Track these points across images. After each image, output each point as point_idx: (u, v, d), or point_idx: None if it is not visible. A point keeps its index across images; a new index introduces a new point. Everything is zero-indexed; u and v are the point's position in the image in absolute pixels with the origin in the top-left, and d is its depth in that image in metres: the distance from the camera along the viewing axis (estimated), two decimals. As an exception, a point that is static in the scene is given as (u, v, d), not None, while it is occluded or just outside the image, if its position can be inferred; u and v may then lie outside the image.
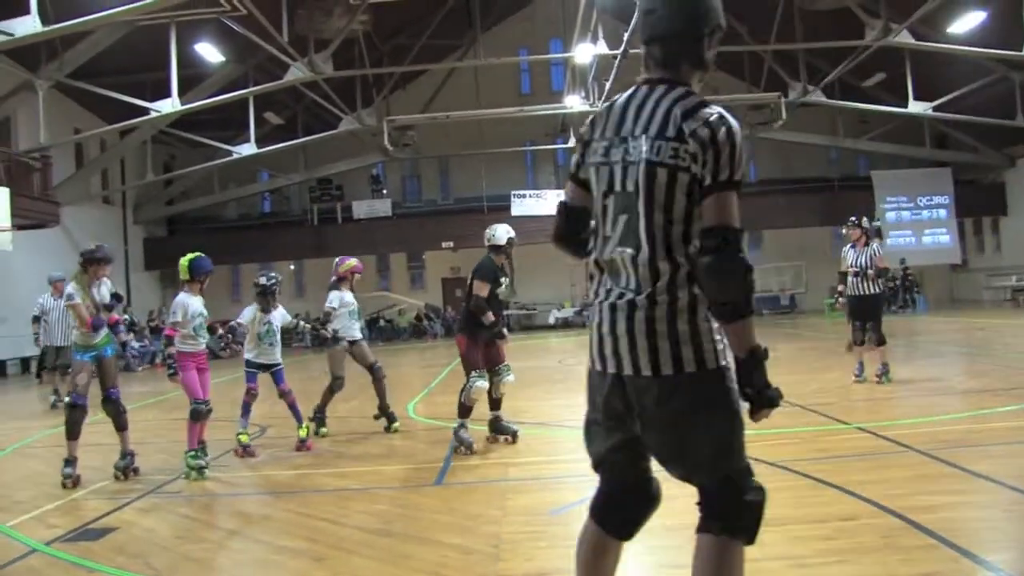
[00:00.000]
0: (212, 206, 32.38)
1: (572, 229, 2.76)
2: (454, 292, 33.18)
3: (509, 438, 7.85)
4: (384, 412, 8.92)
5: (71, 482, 6.90)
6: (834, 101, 25.95)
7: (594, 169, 2.63)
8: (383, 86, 28.34)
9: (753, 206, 29.74)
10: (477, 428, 7.92)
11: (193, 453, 7.17)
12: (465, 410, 7.51)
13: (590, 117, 2.70)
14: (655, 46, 2.58)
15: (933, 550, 4.04)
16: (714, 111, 2.45)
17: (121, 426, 7.28)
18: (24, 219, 19.26)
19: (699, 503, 2.58)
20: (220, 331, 15.27)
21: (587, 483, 5.53)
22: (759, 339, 2.42)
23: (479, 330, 7.60)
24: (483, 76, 28.07)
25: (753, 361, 2.44)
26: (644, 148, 2.47)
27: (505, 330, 7.88)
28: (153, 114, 19.97)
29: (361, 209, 31.43)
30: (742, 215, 2.45)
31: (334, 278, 9.04)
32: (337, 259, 9.24)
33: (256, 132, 25.84)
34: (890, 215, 29.76)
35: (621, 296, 2.53)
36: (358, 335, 9.10)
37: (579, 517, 3.91)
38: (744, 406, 2.50)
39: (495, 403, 7.92)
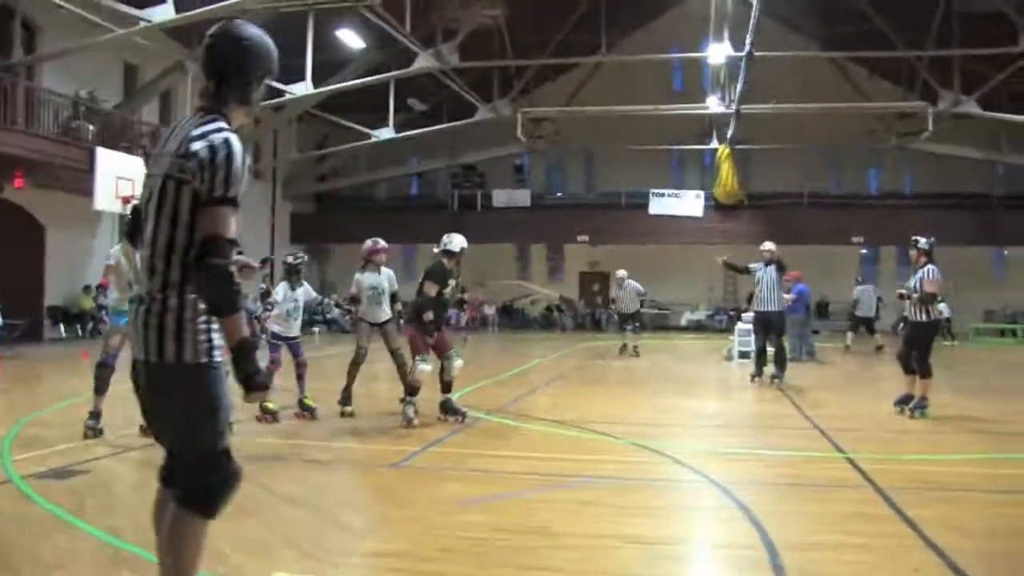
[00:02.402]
0: (364, 186, 33.64)
1: (135, 230, 3.07)
2: (591, 286, 33.23)
3: (459, 419, 8.53)
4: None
5: (92, 433, 7.45)
6: (987, 112, 24.17)
7: (145, 180, 2.98)
8: (523, 78, 28.53)
9: (902, 220, 28.34)
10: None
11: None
12: (412, 389, 8.38)
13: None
14: (209, 81, 2.99)
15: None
16: (221, 135, 2.83)
17: None
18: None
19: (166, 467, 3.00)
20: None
21: (516, 479, 5.72)
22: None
23: (424, 323, 8.35)
24: (634, 71, 27.81)
25: (241, 352, 2.82)
26: (164, 164, 2.84)
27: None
28: (288, 96, 21.02)
29: (501, 198, 31.88)
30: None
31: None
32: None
33: (400, 117, 26.75)
34: (1060, 238, 27.55)
35: (140, 293, 2.91)
36: (382, 318, 9.20)
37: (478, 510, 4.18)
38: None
39: (446, 386, 8.69)
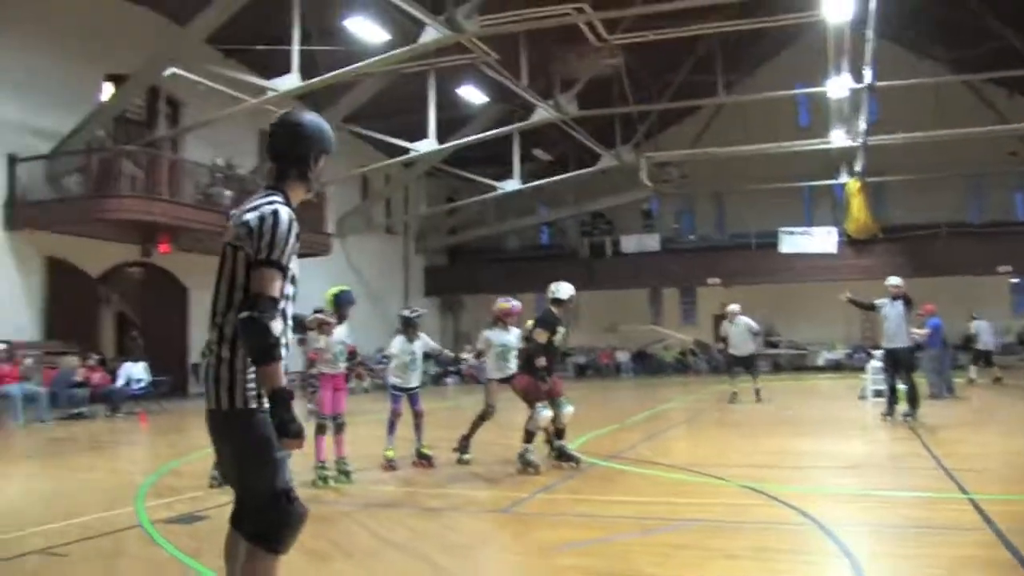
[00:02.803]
0: (495, 237, 34.10)
1: None
2: (726, 329, 32.46)
3: (573, 464, 8.66)
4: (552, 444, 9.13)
5: (216, 482, 7.78)
6: None
7: None
8: (645, 123, 28.46)
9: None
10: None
11: (320, 465, 8.01)
12: (530, 436, 8.49)
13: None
14: (272, 163, 3.39)
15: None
16: (271, 207, 3.18)
17: None
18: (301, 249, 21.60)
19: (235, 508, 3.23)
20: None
21: (619, 523, 5.75)
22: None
23: (536, 370, 8.57)
24: (759, 109, 27.44)
25: (276, 400, 3.07)
26: (229, 234, 3.24)
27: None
28: (414, 153, 21.69)
29: (630, 243, 31.77)
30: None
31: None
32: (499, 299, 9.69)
33: (528, 167, 27.12)
34: None
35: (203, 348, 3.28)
36: (508, 373, 9.25)
37: (576, 554, 4.28)
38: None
39: (559, 433, 8.82)
